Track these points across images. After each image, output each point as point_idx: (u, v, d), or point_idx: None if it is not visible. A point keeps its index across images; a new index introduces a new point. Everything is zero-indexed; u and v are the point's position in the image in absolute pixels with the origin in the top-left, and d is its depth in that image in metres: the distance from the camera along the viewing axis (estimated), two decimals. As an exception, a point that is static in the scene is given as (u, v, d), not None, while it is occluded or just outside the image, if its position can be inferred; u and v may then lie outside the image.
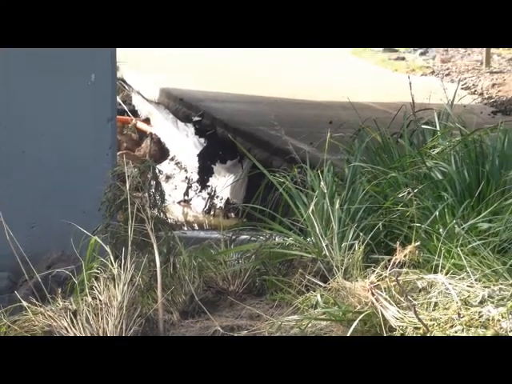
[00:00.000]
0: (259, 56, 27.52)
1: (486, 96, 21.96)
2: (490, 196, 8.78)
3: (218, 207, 16.24)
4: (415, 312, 6.95)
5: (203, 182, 17.08)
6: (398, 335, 7.16)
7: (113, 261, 8.04)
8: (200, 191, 17.07)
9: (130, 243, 8.22)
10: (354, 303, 7.33)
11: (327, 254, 8.37)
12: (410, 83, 11.41)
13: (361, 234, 8.59)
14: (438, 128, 10.61)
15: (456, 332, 6.80)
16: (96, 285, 7.96)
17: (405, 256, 7.77)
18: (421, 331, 6.86)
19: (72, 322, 7.91)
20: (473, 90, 22.85)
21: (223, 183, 16.33)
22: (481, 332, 6.80)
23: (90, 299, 7.93)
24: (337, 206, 9.02)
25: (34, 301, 8.43)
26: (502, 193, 8.72)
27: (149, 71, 22.18)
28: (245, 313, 8.37)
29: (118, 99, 18.81)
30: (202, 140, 17.27)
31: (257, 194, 10.63)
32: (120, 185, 8.61)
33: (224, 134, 16.54)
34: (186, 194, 17.25)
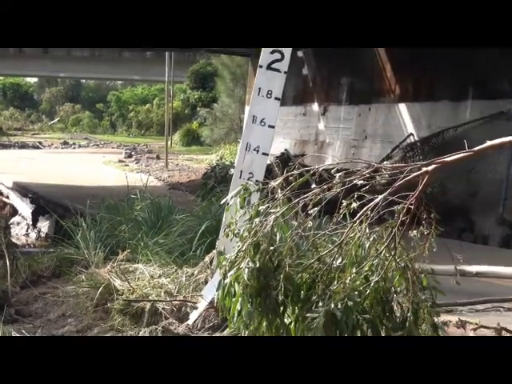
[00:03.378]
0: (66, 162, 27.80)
1: (166, 182, 22.35)
2: (164, 227, 8.78)
3: (42, 236, 15.80)
4: (128, 282, 6.89)
5: (34, 224, 16.64)
6: (124, 296, 6.87)
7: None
8: (33, 229, 16.63)
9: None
10: (100, 279, 7.21)
11: (87, 256, 8.25)
12: (127, 176, 11.46)
13: (103, 247, 8.48)
14: (139, 197, 10.35)
15: (148, 291, 6.74)
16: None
17: (124, 256, 7.74)
18: (132, 291, 6.76)
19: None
20: (160, 178, 23.10)
21: (45, 225, 15.84)
22: (154, 292, 6.76)
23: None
24: (92, 234, 8.79)
25: None
26: (169, 225, 8.75)
27: (5, 174, 21.57)
28: (50, 286, 8.22)
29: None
30: (34, 205, 16.99)
31: (55, 229, 10.77)
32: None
33: (43, 203, 16.36)
34: (27, 231, 16.68)
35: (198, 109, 43.16)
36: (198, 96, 44.30)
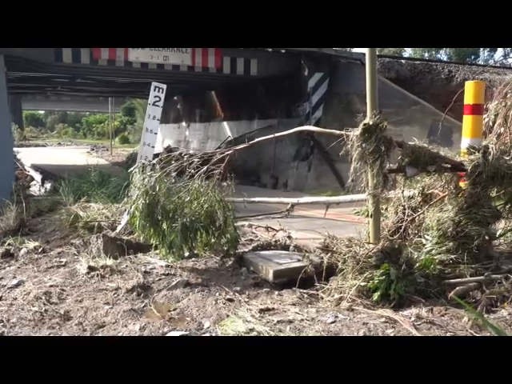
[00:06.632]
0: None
1: (110, 161, 18.75)
2: (106, 184, 7.96)
3: (46, 191, 12.82)
4: (86, 212, 6.19)
5: (42, 185, 13.06)
6: (84, 219, 5.85)
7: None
8: (42, 187, 12.99)
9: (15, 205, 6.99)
10: (72, 211, 6.30)
11: (65, 200, 7.08)
12: (87, 160, 10.27)
13: (73, 195, 7.29)
14: (93, 169, 8.83)
15: (96, 217, 6.05)
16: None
17: (84, 199, 6.95)
18: (88, 217, 6.05)
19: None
20: (107, 160, 19.62)
21: (47, 185, 13.06)
22: (99, 217, 5.93)
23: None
24: (68, 188, 7.52)
25: None
26: (108, 183, 7.92)
27: (27, 159, 18.67)
28: (47, 216, 7.18)
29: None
30: (41, 175, 14.54)
31: (52, 187, 9.27)
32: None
33: (46, 174, 13.97)
34: (39, 188, 12.44)
35: (127, 126, 41.80)
36: (127, 119, 42.76)
